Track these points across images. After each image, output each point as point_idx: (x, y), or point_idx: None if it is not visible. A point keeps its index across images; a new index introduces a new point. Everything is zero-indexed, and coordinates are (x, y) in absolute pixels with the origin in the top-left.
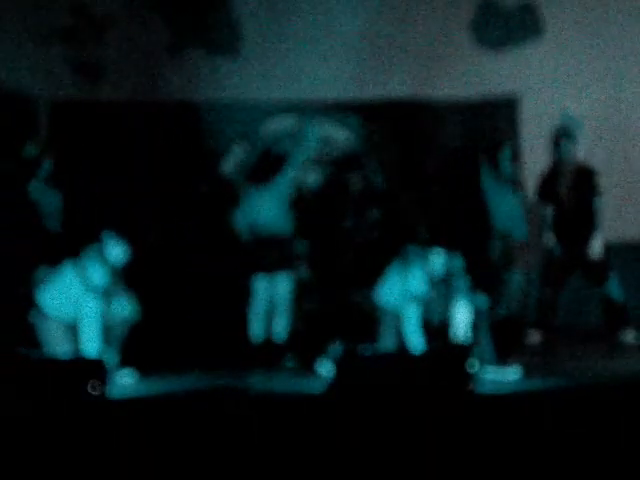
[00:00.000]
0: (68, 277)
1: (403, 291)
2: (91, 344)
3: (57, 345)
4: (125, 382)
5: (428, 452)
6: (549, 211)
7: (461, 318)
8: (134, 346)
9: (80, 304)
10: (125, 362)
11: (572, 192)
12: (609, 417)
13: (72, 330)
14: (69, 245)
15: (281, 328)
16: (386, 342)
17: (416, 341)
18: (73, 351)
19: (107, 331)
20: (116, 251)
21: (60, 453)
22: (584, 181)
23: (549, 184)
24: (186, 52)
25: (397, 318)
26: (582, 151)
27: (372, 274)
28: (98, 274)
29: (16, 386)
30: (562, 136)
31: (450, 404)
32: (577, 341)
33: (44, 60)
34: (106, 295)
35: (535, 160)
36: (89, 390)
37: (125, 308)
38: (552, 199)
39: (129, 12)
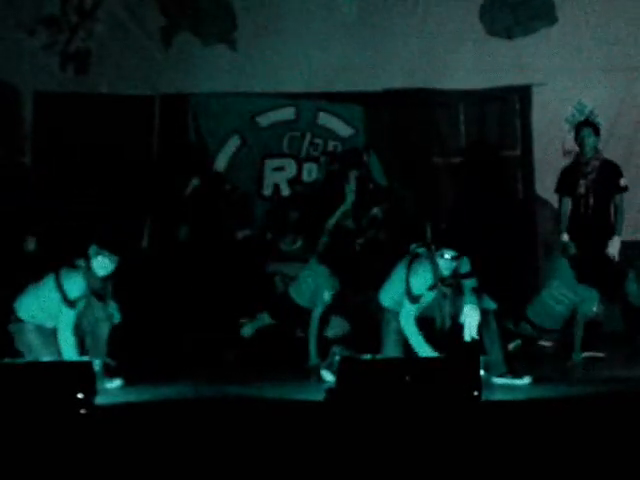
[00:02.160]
0: (47, 288)
1: (407, 292)
2: (68, 353)
3: (38, 352)
4: (112, 388)
5: (431, 458)
6: (567, 206)
7: (469, 321)
8: (132, 352)
9: (56, 314)
10: (121, 368)
11: (592, 187)
12: (627, 426)
13: (53, 336)
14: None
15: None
16: (390, 349)
17: (415, 341)
18: (54, 357)
19: (92, 336)
20: (102, 264)
21: (48, 460)
22: (606, 177)
23: (569, 178)
24: (180, 43)
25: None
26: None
27: (374, 276)
28: (76, 287)
29: (4, 393)
30: (582, 128)
31: (454, 411)
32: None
33: (29, 50)
34: (85, 305)
35: (546, 152)
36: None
37: (108, 312)
38: (571, 194)
39: (120, 0)
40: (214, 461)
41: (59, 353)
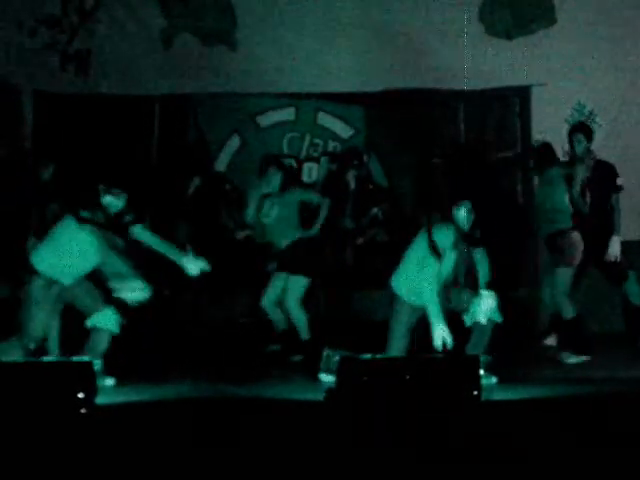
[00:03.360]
0: (66, 243)
1: (431, 249)
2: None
3: (36, 304)
4: (107, 385)
5: (431, 458)
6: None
7: (484, 305)
8: (133, 352)
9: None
10: (117, 367)
11: (589, 188)
12: (627, 426)
13: (54, 299)
14: None
15: (301, 328)
16: (396, 341)
17: (433, 309)
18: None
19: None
20: (111, 201)
21: (48, 459)
22: (602, 177)
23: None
24: (180, 43)
25: (411, 310)
26: (596, 144)
27: (374, 276)
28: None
29: (4, 392)
30: (578, 129)
31: (454, 410)
32: (595, 346)
33: (30, 50)
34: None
35: None
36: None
37: (139, 291)
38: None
39: (121, 1)
40: (214, 461)
41: (53, 313)
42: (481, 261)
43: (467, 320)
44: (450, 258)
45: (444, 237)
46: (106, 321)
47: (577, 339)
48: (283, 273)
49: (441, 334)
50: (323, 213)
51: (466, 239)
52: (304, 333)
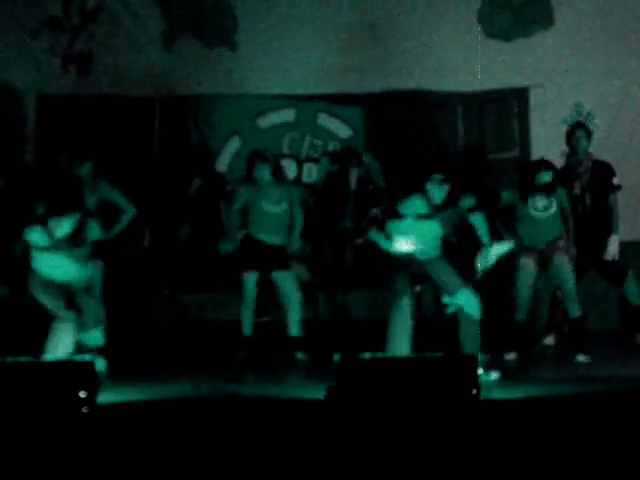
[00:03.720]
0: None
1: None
2: None
3: (50, 302)
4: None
5: (430, 457)
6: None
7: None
8: (134, 351)
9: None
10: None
11: (587, 188)
12: (624, 425)
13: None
14: None
15: (294, 324)
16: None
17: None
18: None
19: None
20: (60, 225)
21: (50, 459)
22: (600, 176)
23: (562, 179)
24: (181, 45)
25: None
26: (595, 145)
27: (374, 276)
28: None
29: (5, 393)
30: (576, 130)
31: (453, 410)
32: (592, 344)
33: (32, 51)
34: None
35: (543, 154)
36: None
37: (94, 339)
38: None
39: (122, 2)
40: (214, 460)
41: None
42: (479, 226)
43: (446, 300)
44: (410, 226)
45: (405, 205)
46: (92, 341)
47: (582, 338)
48: (256, 273)
49: (400, 245)
50: (297, 229)
51: (446, 209)
52: (295, 329)
